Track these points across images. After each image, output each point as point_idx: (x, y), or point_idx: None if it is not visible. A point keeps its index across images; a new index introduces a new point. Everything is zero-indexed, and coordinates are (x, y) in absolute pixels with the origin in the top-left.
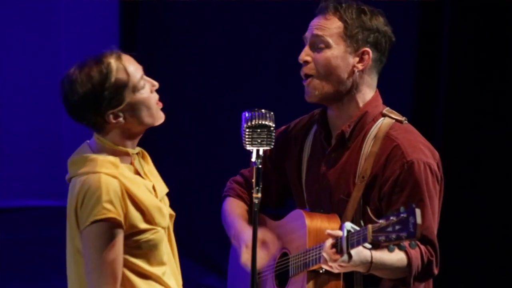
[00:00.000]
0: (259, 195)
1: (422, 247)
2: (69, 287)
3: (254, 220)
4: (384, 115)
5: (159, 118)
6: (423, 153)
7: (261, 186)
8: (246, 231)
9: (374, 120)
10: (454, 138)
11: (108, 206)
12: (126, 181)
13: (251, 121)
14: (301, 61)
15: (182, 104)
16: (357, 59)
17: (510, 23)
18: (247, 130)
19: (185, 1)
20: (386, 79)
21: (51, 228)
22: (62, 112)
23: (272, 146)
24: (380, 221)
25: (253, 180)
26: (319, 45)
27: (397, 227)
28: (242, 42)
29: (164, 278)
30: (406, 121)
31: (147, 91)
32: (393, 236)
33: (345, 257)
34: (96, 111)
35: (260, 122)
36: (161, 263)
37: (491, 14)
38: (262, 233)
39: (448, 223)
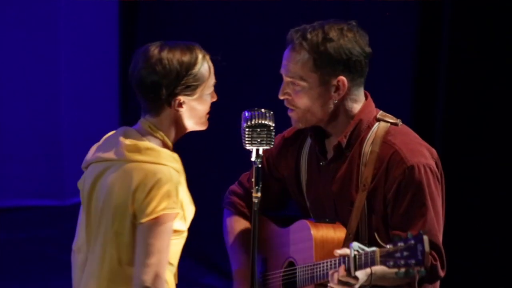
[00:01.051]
0: (259, 194)
1: None
2: (92, 273)
3: (254, 220)
4: (378, 120)
5: (205, 124)
6: (422, 155)
7: (260, 185)
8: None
9: (369, 126)
10: (453, 139)
11: (176, 200)
12: (181, 180)
13: (251, 121)
14: (280, 98)
15: None
16: (333, 88)
17: (510, 23)
18: (247, 129)
19: (185, 1)
20: (386, 79)
21: (51, 228)
22: (62, 112)
23: (272, 146)
24: (388, 246)
25: (253, 180)
26: (293, 84)
27: (405, 253)
28: (242, 42)
29: (172, 277)
30: (401, 123)
31: (210, 98)
32: (402, 262)
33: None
34: (170, 89)
35: (260, 122)
36: (173, 264)
37: (491, 14)
38: None
39: (448, 224)
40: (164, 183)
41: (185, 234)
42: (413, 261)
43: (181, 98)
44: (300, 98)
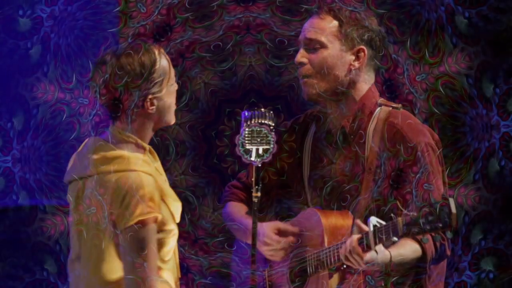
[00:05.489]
0: (259, 194)
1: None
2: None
3: (254, 220)
4: (380, 105)
5: (174, 117)
6: (424, 135)
7: (260, 185)
8: (262, 225)
9: (372, 112)
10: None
11: (151, 204)
12: (158, 179)
13: (251, 121)
14: (296, 63)
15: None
16: (353, 57)
17: (510, 22)
18: (247, 129)
19: None
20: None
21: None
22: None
23: (271, 146)
24: (411, 213)
25: (253, 179)
26: (314, 45)
27: (430, 217)
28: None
29: (165, 273)
30: (402, 108)
31: (175, 88)
32: (428, 227)
33: (373, 253)
34: (140, 92)
35: (259, 121)
36: (165, 261)
37: (491, 14)
38: (274, 224)
39: None
40: (136, 189)
41: (176, 231)
42: (440, 225)
43: (151, 97)
44: (320, 61)
